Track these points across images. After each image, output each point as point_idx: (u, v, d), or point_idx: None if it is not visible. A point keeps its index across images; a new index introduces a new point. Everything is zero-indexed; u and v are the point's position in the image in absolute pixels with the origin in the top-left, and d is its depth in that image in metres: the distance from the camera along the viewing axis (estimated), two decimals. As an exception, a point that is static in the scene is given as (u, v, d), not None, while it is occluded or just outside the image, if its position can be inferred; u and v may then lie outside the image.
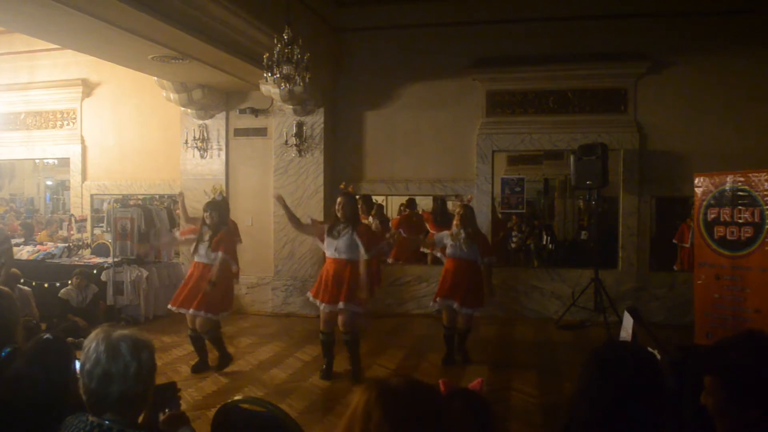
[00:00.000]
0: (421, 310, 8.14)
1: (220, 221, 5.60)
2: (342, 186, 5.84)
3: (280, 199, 5.61)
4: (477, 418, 1.68)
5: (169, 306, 5.72)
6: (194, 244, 5.63)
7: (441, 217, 9.24)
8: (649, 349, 2.14)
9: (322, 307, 5.30)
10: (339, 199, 5.30)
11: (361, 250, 5.17)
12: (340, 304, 5.17)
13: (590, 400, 1.59)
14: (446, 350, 5.88)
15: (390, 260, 8.80)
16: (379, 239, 5.55)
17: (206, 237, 5.56)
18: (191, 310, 5.47)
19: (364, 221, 6.90)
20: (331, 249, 5.27)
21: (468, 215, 5.75)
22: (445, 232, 5.92)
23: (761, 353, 1.61)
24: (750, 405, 1.58)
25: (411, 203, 9.52)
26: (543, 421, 4.47)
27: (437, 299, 5.85)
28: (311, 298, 5.43)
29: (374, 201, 8.49)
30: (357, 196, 6.36)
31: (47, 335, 2.20)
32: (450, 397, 1.73)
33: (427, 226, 9.37)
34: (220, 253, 5.47)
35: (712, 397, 1.64)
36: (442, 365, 5.77)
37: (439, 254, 6.26)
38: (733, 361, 1.63)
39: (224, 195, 6.13)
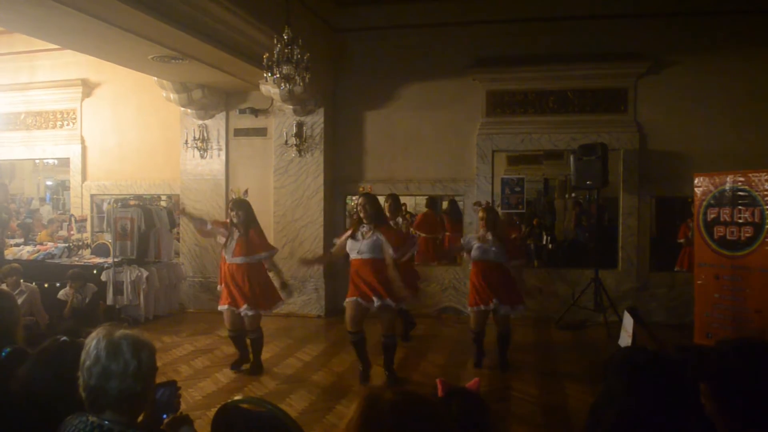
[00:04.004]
0: (422, 310, 8.13)
1: (247, 218, 5.56)
2: (361, 188, 5.78)
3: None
4: (474, 418, 1.68)
5: (221, 307, 5.61)
6: (225, 244, 5.56)
7: (454, 216, 9.24)
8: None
9: (349, 300, 5.16)
10: (360, 200, 5.22)
11: (389, 250, 5.04)
12: (377, 302, 5.05)
13: (618, 407, 1.59)
14: (476, 352, 5.77)
15: (416, 262, 8.77)
16: (406, 239, 5.46)
17: (235, 236, 5.51)
18: (242, 309, 5.46)
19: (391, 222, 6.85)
20: (354, 251, 5.16)
21: (492, 218, 5.67)
22: (473, 235, 5.85)
23: (750, 365, 1.61)
24: (735, 416, 1.59)
25: (432, 202, 9.52)
26: (543, 421, 4.47)
27: (481, 306, 5.59)
28: (348, 299, 5.20)
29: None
30: (355, 195, 6.31)
31: (63, 337, 2.19)
32: (447, 397, 1.73)
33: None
34: (262, 254, 5.51)
35: (706, 402, 1.65)
36: (474, 368, 5.69)
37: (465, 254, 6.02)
38: (722, 371, 1.63)
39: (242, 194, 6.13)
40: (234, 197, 5.80)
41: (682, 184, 7.37)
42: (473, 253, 5.68)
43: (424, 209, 9.74)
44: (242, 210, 5.56)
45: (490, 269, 5.59)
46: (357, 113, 8.56)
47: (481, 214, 5.73)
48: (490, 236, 5.59)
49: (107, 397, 1.72)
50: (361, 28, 8.40)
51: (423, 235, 9.33)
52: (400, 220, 6.85)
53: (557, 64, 7.82)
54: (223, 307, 5.56)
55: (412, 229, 8.64)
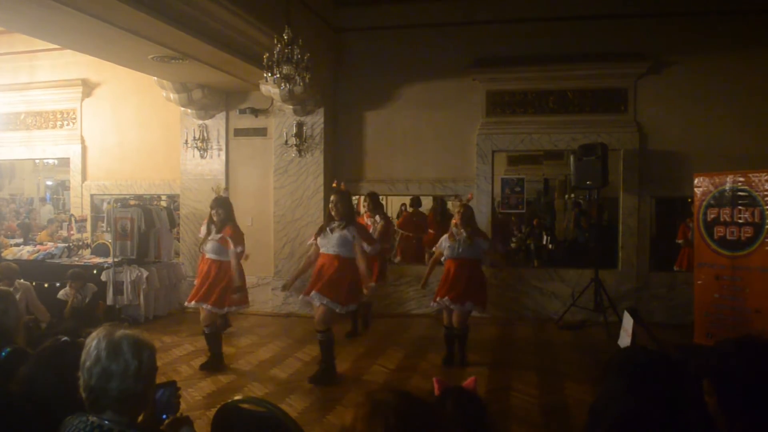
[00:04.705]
0: (421, 310, 8.14)
1: (226, 217, 5.68)
2: (334, 185, 5.85)
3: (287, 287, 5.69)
4: (471, 416, 1.68)
5: (186, 303, 5.81)
6: (202, 242, 5.73)
7: (441, 217, 9.27)
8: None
9: (307, 299, 5.30)
10: (332, 198, 5.31)
11: (364, 245, 5.17)
12: (315, 296, 5.13)
13: (618, 407, 1.59)
14: (446, 350, 5.87)
15: (397, 259, 8.83)
16: (380, 236, 5.51)
17: (213, 232, 5.64)
18: (207, 306, 5.55)
19: (369, 219, 6.91)
20: (323, 244, 5.28)
21: (468, 214, 5.76)
22: (445, 236, 5.90)
23: (752, 363, 1.61)
24: (737, 413, 1.59)
25: (416, 202, 9.55)
26: (543, 421, 4.47)
27: (437, 299, 5.81)
28: (301, 296, 5.42)
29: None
30: (354, 195, 6.36)
31: (63, 337, 2.19)
32: (443, 396, 1.73)
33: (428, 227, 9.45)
34: (231, 249, 5.57)
35: (709, 399, 1.65)
36: (443, 366, 5.76)
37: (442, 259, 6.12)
38: (725, 368, 1.63)
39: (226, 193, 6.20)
40: (215, 195, 5.85)
41: (682, 184, 7.37)
42: (444, 252, 5.81)
43: (409, 209, 9.77)
44: (222, 208, 5.67)
45: (458, 266, 5.70)
46: (357, 113, 8.56)
47: (458, 208, 5.82)
48: (463, 232, 5.65)
49: (108, 398, 1.72)
50: (361, 28, 8.41)
51: (407, 234, 9.40)
52: (378, 217, 6.90)
53: (557, 64, 7.82)
54: (191, 304, 5.67)
55: (398, 229, 8.75)
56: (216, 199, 5.77)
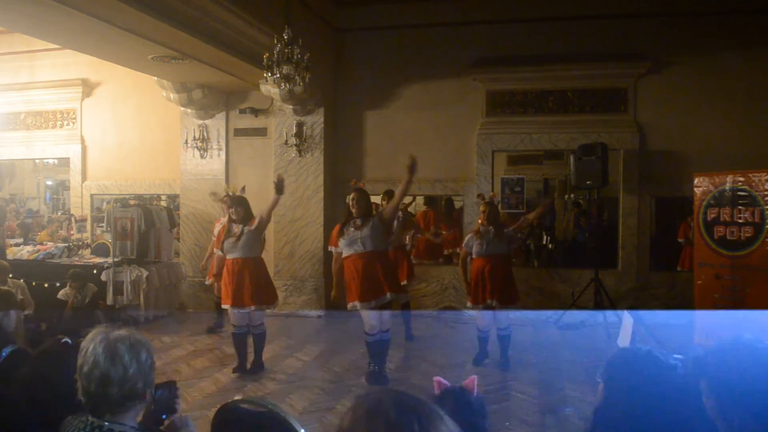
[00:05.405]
0: (421, 310, 8.13)
1: (246, 215, 5.53)
2: (353, 182, 5.82)
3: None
4: (469, 416, 1.67)
5: (231, 307, 5.49)
6: (223, 244, 5.52)
7: (448, 217, 9.24)
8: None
9: (359, 306, 5.05)
10: (352, 195, 5.21)
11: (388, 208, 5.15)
12: (388, 296, 5.02)
13: (614, 406, 1.60)
14: (479, 350, 5.77)
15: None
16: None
17: (235, 231, 5.48)
18: (248, 308, 5.46)
19: None
20: (354, 245, 5.08)
21: (493, 212, 5.70)
22: (470, 234, 5.83)
23: (749, 363, 1.62)
24: (736, 413, 1.60)
25: (430, 201, 9.54)
26: (543, 421, 4.47)
27: (480, 302, 5.61)
28: (351, 306, 5.10)
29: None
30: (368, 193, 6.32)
31: (63, 338, 2.19)
32: (443, 396, 1.73)
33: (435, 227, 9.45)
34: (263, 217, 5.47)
35: (707, 399, 1.66)
36: (473, 365, 5.70)
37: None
38: (723, 368, 1.64)
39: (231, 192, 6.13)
40: (230, 194, 5.79)
41: (682, 184, 7.37)
42: (474, 249, 5.68)
43: (423, 207, 9.75)
44: (242, 207, 5.56)
45: (492, 263, 5.59)
46: (357, 113, 8.56)
47: (482, 207, 5.76)
48: (492, 230, 5.60)
49: (108, 402, 1.72)
50: (361, 28, 8.41)
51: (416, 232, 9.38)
52: (400, 214, 6.88)
53: (557, 64, 7.82)
54: (227, 306, 5.54)
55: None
56: (234, 198, 5.68)
